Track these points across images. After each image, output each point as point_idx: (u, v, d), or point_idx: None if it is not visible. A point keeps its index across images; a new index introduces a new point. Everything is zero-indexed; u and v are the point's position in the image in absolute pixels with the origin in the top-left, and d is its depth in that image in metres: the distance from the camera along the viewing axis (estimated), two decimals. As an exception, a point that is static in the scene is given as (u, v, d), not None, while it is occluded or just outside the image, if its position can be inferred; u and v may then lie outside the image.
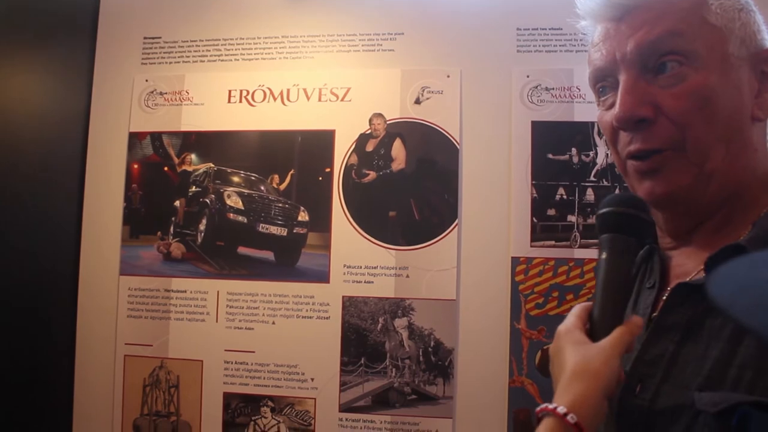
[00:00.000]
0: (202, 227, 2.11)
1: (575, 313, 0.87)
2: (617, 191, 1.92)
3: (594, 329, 0.84)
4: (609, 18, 0.90)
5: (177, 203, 2.14)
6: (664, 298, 0.89)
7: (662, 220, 0.95)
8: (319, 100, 2.10)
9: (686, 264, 0.91)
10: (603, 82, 0.92)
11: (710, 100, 0.84)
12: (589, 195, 1.95)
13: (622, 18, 0.88)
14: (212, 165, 2.13)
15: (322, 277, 2.02)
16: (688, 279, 0.88)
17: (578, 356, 0.79)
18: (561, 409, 0.74)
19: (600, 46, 0.91)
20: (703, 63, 0.84)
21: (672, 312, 0.86)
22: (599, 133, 1.94)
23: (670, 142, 0.85)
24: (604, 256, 0.86)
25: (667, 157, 0.86)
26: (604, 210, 0.88)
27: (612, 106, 0.90)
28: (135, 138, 2.17)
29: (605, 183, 1.94)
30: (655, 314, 0.89)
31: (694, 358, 0.81)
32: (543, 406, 0.76)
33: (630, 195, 0.89)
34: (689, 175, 0.86)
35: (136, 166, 2.16)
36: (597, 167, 1.94)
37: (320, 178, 2.06)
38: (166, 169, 2.15)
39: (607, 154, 1.93)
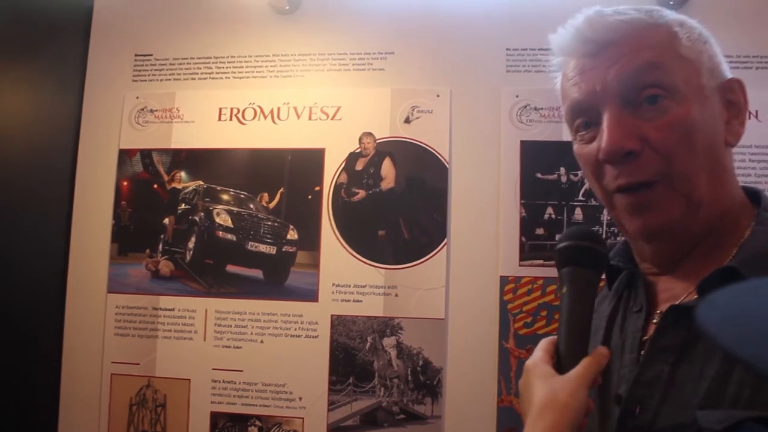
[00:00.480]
0: (191, 245, 2.11)
1: (542, 347, 0.88)
2: (605, 211, 1.93)
3: (561, 362, 0.84)
4: (584, 53, 0.90)
5: (166, 221, 2.13)
6: (655, 321, 0.90)
7: (650, 253, 0.94)
8: (310, 118, 2.10)
9: (674, 288, 0.91)
10: (582, 116, 0.92)
11: (692, 131, 0.85)
12: (578, 214, 1.95)
13: (598, 53, 0.88)
14: (202, 183, 2.13)
15: (311, 295, 2.02)
16: (678, 302, 0.88)
17: (545, 389, 0.80)
18: None
19: (577, 79, 0.90)
20: (682, 95, 0.85)
21: (666, 334, 0.86)
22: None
23: (658, 174, 0.85)
24: (564, 289, 0.88)
25: (657, 191, 0.86)
26: (563, 244, 0.90)
27: (592, 140, 0.90)
28: (125, 155, 2.17)
29: (593, 202, 1.94)
30: (646, 337, 0.89)
31: (690, 378, 0.81)
32: None
33: (585, 228, 0.92)
34: (680, 207, 0.86)
35: (125, 183, 2.16)
36: (585, 186, 1.95)
37: (310, 197, 2.07)
38: (155, 186, 2.15)
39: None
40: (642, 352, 0.88)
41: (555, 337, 0.88)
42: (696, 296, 0.85)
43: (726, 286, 0.55)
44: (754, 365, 0.44)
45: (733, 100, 0.90)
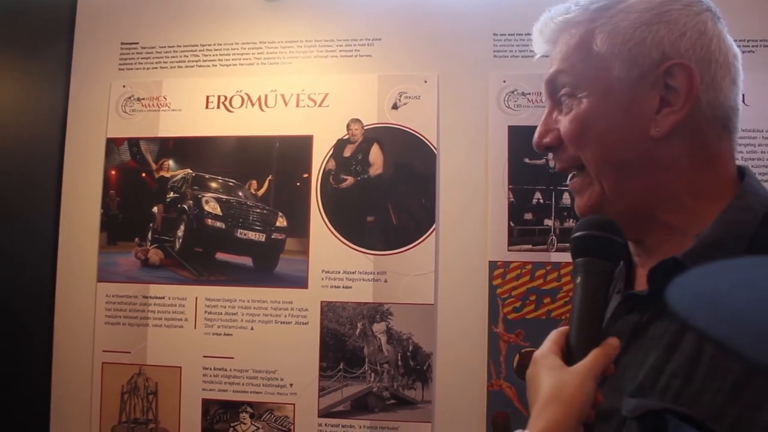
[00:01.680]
0: (180, 233, 2.11)
1: (551, 338, 0.87)
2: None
3: (570, 353, 0.83)
4: (544, 52, 0.98)
5: (155, 209, 2.13)
6: (615, 306, 0.93)
7: None
8: (297, 105, 2.10)
9: (644, 274, 0.93)
10: None
11: (589, 126, 0.88)
12: (566, 199, 1.96)
13: (550, 53, 0.96)
14: (190, 171, 2.13)
15: (301, 282, 2.02)
16: (637, 290, 0.91)
17: (552, 381, 0.79)
18: None
19: None
20: (588, 92, 0.89)
21: (619, 320, 0.89)
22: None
23: (573, 162, 0.92)
24: (579, 280, 0.86)
25: (582, 179, 0.93)
26: (579, 234, 0.88)
27: None
28: (112, 144, 2.16)
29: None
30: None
31: (633, 364, 0.84)
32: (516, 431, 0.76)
33: (603, 218, 0.90)
34: (593, 194, 0.91)
35: (113, 172, 2.15)
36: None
37: (298, 184, 2.07)
38: (143, 175, 2.15)
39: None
40: None
41: (566, 328, 0.87)
42: (647, 285, 0.87)
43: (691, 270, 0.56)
44: (726, 344, 0.45)
45: (672, 85, 0.86)
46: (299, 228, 2.05)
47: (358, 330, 1.98)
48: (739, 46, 0.92)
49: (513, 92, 2.02)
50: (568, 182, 0.97)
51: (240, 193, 2.10)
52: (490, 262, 1.96)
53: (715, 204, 0.87)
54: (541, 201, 1.97)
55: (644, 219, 0.90)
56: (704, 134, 0.87)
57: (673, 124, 0.85)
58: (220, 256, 2.09)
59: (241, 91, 2.13)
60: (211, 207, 2.09)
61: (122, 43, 2.21)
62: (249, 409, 2.01)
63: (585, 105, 0.88)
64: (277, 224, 2.07)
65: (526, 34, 2.03)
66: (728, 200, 0.87)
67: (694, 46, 0.86)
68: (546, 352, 0.85)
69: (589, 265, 0.86)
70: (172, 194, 2.13)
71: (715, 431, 0.71)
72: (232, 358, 2.03)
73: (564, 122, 0.91)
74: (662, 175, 0.88)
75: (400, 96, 2.06)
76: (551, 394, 0.78)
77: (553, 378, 0.80)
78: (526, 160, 1.98)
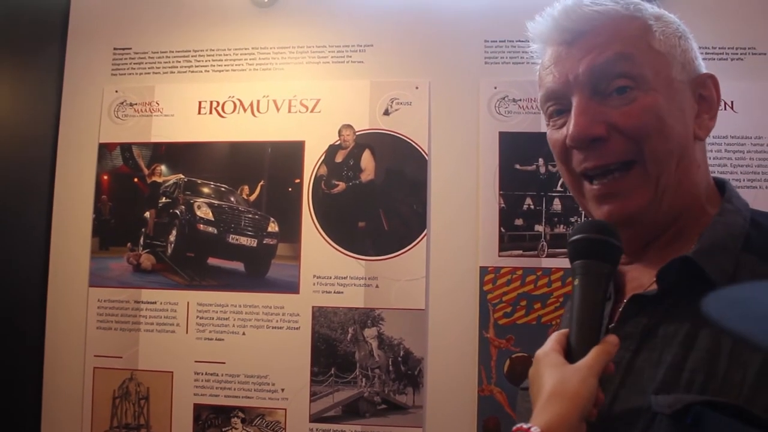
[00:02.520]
0: (172, 238, 2.11)
1: (553, 338, 0.88)
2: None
3: (571, 353, 0.84)
4: (560, 42, 0.93)
5: (147, 214, 2.13)
6: (620, 309, 0.92)
7: None
8: (289, 111, 2.11)
9: (641, 278, 0.94)
10: (555, 104, 0.95)
11: (662, 117, 0.88)
12: (556, 205, 1.98)
13: (573, 42, 0.92)
14: (182, 176, 2.13)
15: (292, 287, 2.03)
16: (641, 291, 0.91)
17: (555, 378, 0.80)
18: (534, 430, 0.74)
19: (552, 68, 0.94)
20: (650, 86, 0.88)
21: (628, 322, 0.89)
22: (565, 144, 1.96)
23: (626, 155, 0.89)
24: (577, 282, 0.88)
25: (633, 174, 0.89)
26: (576, 237, 0.89)
27: (563, 126, 0.93)
28: (105, 149, 2.16)
29: (571, 193, 1.96)
30: (612, 325, 0.91)
31: (649, 364, 0.84)
32: (518, 425, 0.76)
33: (600, 221, 0.91)
34: (648, 194, 0.89)
35: (105, 177, 2.15)
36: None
37: (290, 189, 2.07)
38: (135, 180, 2.15)
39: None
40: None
41: (567, 329, 0.88)
42: (656, 285, 0.88)
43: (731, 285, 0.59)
44: (758, 342, 0.47)
45: (704, 95, 0.92)
46: (291, 233, 2.06)
47: (350, 335, 1.99)
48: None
49: (504, 98, 2.03)
50: (603, 183, 0.91)
51: (232, 199, 2.11)
52: (480, 267, 1.97)
53: (712, 207, 0.92)
54: (532, 207, 1.98)
55: (669, 222, 0.92)
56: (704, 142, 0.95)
57: (711, 129, 0.92)
58: (212, 261, 2.09)
59: (233, 96, 2.14)
60: (203, 212, 2.10)
61: (115, 49, 2.22)
62: (240, 414, 2.01)
63: (653, 98, 0.88)
64: (269, 229, 2.08)
65: (517, 41, 2.04)
66: (717, 204, 0.92)
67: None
68: (548, 350, 0.86)
69: (587, 267, 0.87)
70: (164, 199, 2.13)
71: (754, 415, 0.72)
72: (224, 363, 2.03)
73: (627, 111, 0.88)
74: (697, 173, 0.92)
75: (392, 102, 2.07)
76: (555, 390, 0.79)
77: (555, 374, 0.80)
78: (517, 166, 2.00)
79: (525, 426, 0.75)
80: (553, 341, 0.87)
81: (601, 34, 0.90)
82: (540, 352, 0.87)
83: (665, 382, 0.81)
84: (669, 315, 0.85)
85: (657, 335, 0.85)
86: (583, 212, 1.94)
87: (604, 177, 0.91)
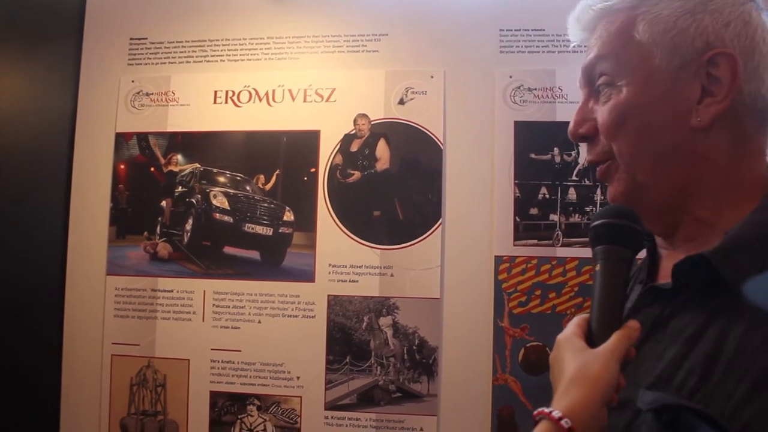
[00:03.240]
0: (188, 227, 2.13)
1: (574, 323, 0.87)
2: (599, 191, 1.95)
3: (593, 338, 0.84)
4: (581, 40, 0.98)
5: (163, 203, 2.15)
6: (635, 298, 0.93)
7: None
8: (304, 100, 2.11)
9: (670, 266, 0.91)
10: None
11: (629, 116, 0.88)
12: (571, 194, 1.97)
13: (587, 40, 0.96)
14: (198, 165, 2.14)
15: (308, 276, 2.04)
16: (659, 282, 0.91)
17: (577, 362, 0.80)
18: (556, 413, 0.74)
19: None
20: (627, 81, 0.88)
21: (639, 312, 0.89)
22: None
23: (605, 155, 0.92)
24: (598, 267, 0.87)
25: (609, 167, 0.92)
26: (598, 222, 0.89)
27: None
28: (121, 138, 2.18)
29: (587, 182, 1.96)
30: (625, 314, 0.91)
31: (651, 357, 0.84)
32: (540, 409, 0.76)
33: (622, 207, 0.90)
34: (623, 184, 0.91)
35: (122, 166, 2.17)
36: (579, 167, 1.97)
37: (305, 178, 2.08)
38: (152, 169, 2.16)
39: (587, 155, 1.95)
40: None
41: (588, 315, 0.88)
42: (671, 279, 0.86)
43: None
44: None
45: (714, 75, 0.85)
46: (306, 222, 2.07)
47: (365, 324, 2.00)
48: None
49: (519, 87, 2.03)
50: (597, 172, 0.95)
51: (248, 188, 2.12)
52: (495, 256, 1.97)
53: (748, 200, 0.86)
54: (547, 196, 1.98)
55: (676, 212, 0.90)
56: (743, 126, 0.86)
57: (714, 115, 0.84)
58: (228, 250, 2.10)
59: (248, 86, 2.14)
60: (219, 201, 2.11)
61: (131, 39, 2.23)
62: (256, 402, 2.02)
63: (624, 94, 0.88)
64: (285, 218, 2.09)
65: (532, 30, 2.04)
66: (759, 197, 0.86)
67: (739, 35, 0.85)
68: (569, 335, 0.85)
69: (608, 252, 0.87)
70: (180, 188, 2.14)
71: (726, 429, 0.71)
72: (240, 351, 2.04)
73: (602, 112, 0.90)
74: (699, 167, 0.87)
75: (407, 91, 2.07)
76: (576, 375, 0.78)
77: (577, 359, 0.80)
78: (532, 156, 1.99)
79: (546, 410, 0.76)
80: (574, 325, 0.87)
81: (595, 34, 0.93)
82: (561, 336, 0.87)
83: (660, 377, 0.81)
84: (681, 310, 0.84)
85: (666, 329, 0.85)
86: (597, 201, 1.95)
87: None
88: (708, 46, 0.85)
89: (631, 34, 0.89)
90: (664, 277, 0.92)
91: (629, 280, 0.90)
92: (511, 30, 2.06)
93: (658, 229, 0.95)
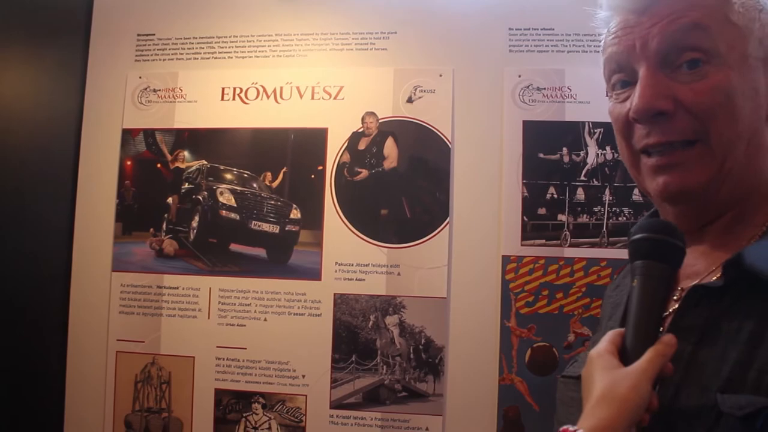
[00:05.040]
0: (194, 224, 2.12)
1: (608, 338, 0.85)
2: (607, 191, 1.94)
3: (627, 355, 0.82)
4: (630, 10, 0.90)
5: (170, 200, 2.14)
6: (676, 297, 0.90)
7: (673, 216, 0.94)
8: (312, 98, 2.10)
9: (697, 264, 0.91)
10: (619, 73, 0.92)
11: (732, 97, 0.84)
12: (580, 194, 1.96)
13: (644, 10, 0.88)
14: (205, 162, 2.14)
15: (314, 274, 2.03)
16: (700, 280, 0.88)
17: (606, 381, 0.78)
18: None
19: (619, 34, 0.90)
20: (723, 61, 0.84)
21: (688, 313, 0.86)
22: (590, 133, 1.95)
23: (691, 134, 0.86)
24: (637, 282, 0.85)
25: (695, 150, 0.86)
26: (639, 236, 0.87)
27: (627, 99, 0.90)
28: (128, 135, 2.17)
29: (595, 182, 1.95)
30: (666, 313, 0.88)
31: (712, 359, 0.81)
32: (564, 427, 0.75)
33: (663, 221, 0.88)
34: (710, 171, 0.86)
35: (129, 162, 2.16)
36: (587, 167, 1.96)
37: (312, 176, 2.07)
38: (159, 166, 2.16)
39: (598, 154, 1.95)
40: (661, 329, 0.86)
41: (623, 329, 0.86)
42: (719, 275, 0.84)
43: None
44: None
45: None
46: (313, 220, 2.06)
47: (371, 322, 1.99)
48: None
49: (528, 87, 2.02)
50: (666, 157, 0.88)
51: (254, 185, 2.11)
52: (503, 256, 1.96)
53: None
54: (555, 196, 1.97)
55: (729, 205, 0.88)
56: None
57: None
58: (234, 247, 2.10)
59: (256, 83, 2.14)
60: (226, 198, 2.10)
61: (139, 35, 2.22)
62: (261, 400, 2.02)
63: (724, 74, 0.84)
64: (291, 216, 2.08)
65: (542, 29, 2.03)
66: None
67: None
68: (602, 351, 0.83)
69: (649, 268, 0.85)
70: (187, 185, 2.14)
71: None
72: (245, 348, 2.04)
73: (696, 88, 0.84)
74: (765, 158, 0.87)
75: (415, 90, 2.06)
76: (604, 394, 0.77)
77: (606, 377, 0.79)
78: (541, 155, 1.98)
79: (571, 428, 0.75)
80: (607, 341, 0.85)
81: (674, 2, 0.86)
82: (593, 352, 0.85)
83: (731, 380, 0.77)
84: (732, 309, 0.81)
85: (720, 330, 0.82)
86: (606, 201, 1.94)
87: (665, 150, 0.88)
88: None
89: (725, 13, 0.85)
90: (688, 275, 0.90)
91: (668, 297, 0.87)
92: (521, 29, 2.05)
93: (697, 223, 0.92)
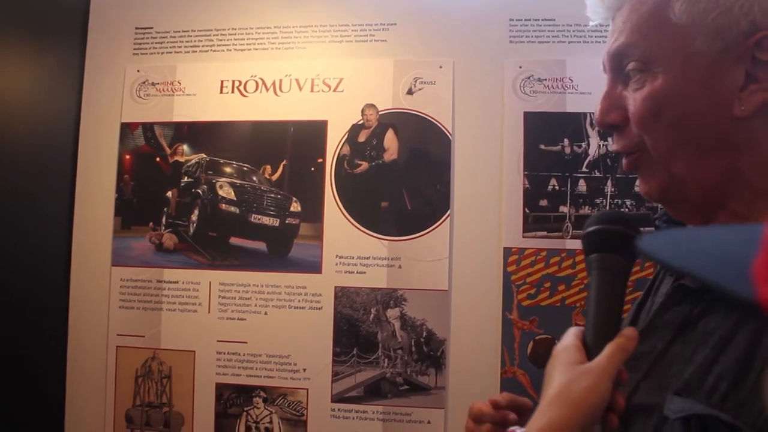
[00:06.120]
0: (194, 218, 2.11)
1: (572, 332, 0.83)
2: (609, 182, 1.93)
3: (589, 350, 0.80)
4: (605, 18, 0.90)
5: (169, 194, 2.13)
6: (664, 293, 0.88)
7: (672, 213, 0.93)
8: (312, 90, 2.09)
9: None
10: None
11: (664, 105, 0.81)
12: (581, 186, 1.95)
13: (613, 19, 0.88)
14: (204, 155, 2.13)
15: (315, 267, 2.02)
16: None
17: (563, 378, 0.76)
18: None
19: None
20: (663, 67, 0.81)
21: (668, 310, 0.85)
22: (591, 124, 1.94)
23: (636, 146, 0.85)
24: (593, 276, 0.84)
25: (639, 158, 0.86)
26: (590, 229, 0.85)
27: None
28: (127, 129, 2.16)
29: (597, 174, 1.94)
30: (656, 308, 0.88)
31: (679, 359, 0.79)
32: (512, 429, 0.74)
33: (615, 212, 0.88)
34: (658, 178, 0.85)
35: (127, 156, 2.15)
36: (589, 158, 1.95)
37: (312, 169, 2.06)
38: (158, 159, 2.15)
39: (599, 145, 1.94)
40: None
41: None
42: None
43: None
44: (699, 275, 0.45)
45: (762, 59, 0.77)
46: (313, 213, 2.05)
47: (372, 315, 1.98)
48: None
49: (529, 78, 2.00)
50: (624, 162, 0.89)
51: (254, 178, 2.10)
52: (504, 248, 1.95)
53: None
54: (557, 187, 1.96)
55: (714, 205, 0.84)
56: None
57: (761, 103, 0.77)
58: (234, 240, 2.09)
59: (255, 75, 2.12)
60: (225, 192, 2.09)
61: (137, 28, 2.21)
62: (262, 394, 2.01)
63: (660, 82, 0.81)
64: (291, 209, 2.07)
65: (542, 20, 2.01)
66: None
67: None
68: (567, 345, 0.81)
69: (603, 260, 0.83)
70: (186, 179, 2.13)
71: None
72: (246, 342, 2.03)
73: (634, 100, 0.83)
74: (740, 158, 0.80)
75: (416, 81, 2.05)
76: (559, 393, 0.75)
77: (564, 374, 0.76)
78: (542, 147, 1.97)
79: (518, 430, 0.74)
80: (572, 335, 0.82)
81: (623, 14, 0.85)
82: (558, 346, 0.82)
83: (689, 383, 0.76)
84: (712, 309, 0.79)
85: (696, 329, 0.79)
86: (608, 193, 1.93)
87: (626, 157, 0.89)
88: (754, 27, 0.77)
89: (666, 16, 0.81)
90: None
91: (626, 289, 0.85)
92: (521, 20, 2.04)
93: (699, 219, 0.88)
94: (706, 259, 0.47)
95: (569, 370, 0.76)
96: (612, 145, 0.90)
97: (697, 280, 0.44)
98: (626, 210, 1.90)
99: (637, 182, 0.90)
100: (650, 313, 0.90)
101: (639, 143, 0.84)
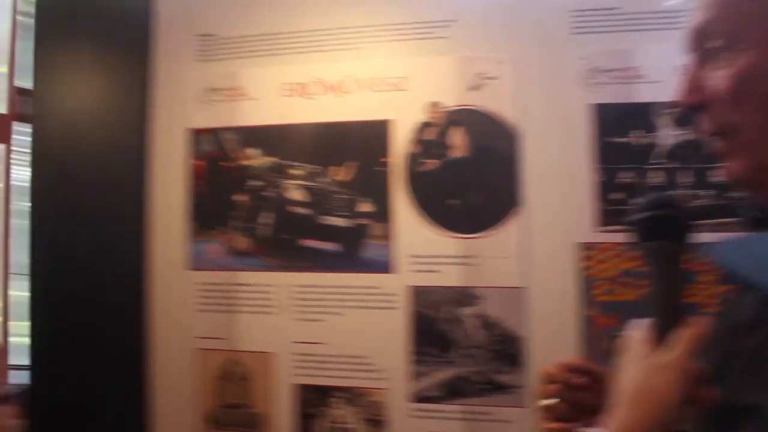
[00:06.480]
0: (265, 220, 2.13)
1: (640, 324, 0.81)
2: (682, 172, 1.90)
3: (657, 343, 0.77)
4: None
5: (239, 197, 2.16)
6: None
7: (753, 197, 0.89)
8: (375, 90, 2.09)
9: None
10: None
11: (755, 83, 0.77)
12: (653, 176, 1.92)
13: None
14: (271, 159, 2.15)
15: (387, 267, 2.03)
16: None
17: (637, 375, 0.74)
18: None
19: None
20: (751, 44, 0.77)
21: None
22: (663, 114, 1.91)
23: (722, 127, 0.81)
24: (649, 264, 0.81)
25: (728, 139, 0.82)
26: (634, 218, 0.83)
27: None
28: (194, 135, 2.19)
29: (669, 164, 1.91)
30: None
31: None
32: (582, 430, 0.72)
33: (657, 195, 0.84)
34: (744, 164, 0.80)
35: (197, 162, 2.18)
36: (661, 148, 1.92)
37: (380, 168, 2.06)
38: (226, 164, 2.17)
39: (673, 135, 1.91)
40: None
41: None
42: None
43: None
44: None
45: None
46: (383, 212, 2.05)
47: (448, 314, 1.98)
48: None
49: (593, 69, 1.98)
50: (711, 144, 0.84)
51: (322, 180, 2.11)
52: (578, 243, 1.93)
53: None
54: (628, 180, 1.93)
55: None
56: None
57: None
58: (306, 242, 2.10)
59: (317, 78, 2.13)
60: (295, 194, 2.11)
61: (199, 35, 2.23)
62: (342, 395, 2.03)
63: (748, 58, 0.77)
64: (361, 209, 2.08)
65: (603, 9, 1.98)
66: None
67: None
68: (636, 338, 0.79)
69: (652, 248, 0.81)
70: (255, 182, 2.15)
71: None
72: (322, 343, 2.05)
73: (720, 77, 0.79)
74: None
75: (478, 77, 2.04)
76: (634, 391, 0.73)
77: (638, 371, 0.74)
78: (612, 138, 1.94)
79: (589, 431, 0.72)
80: (639, 327, 0.80)
81: None
82: (627, 340, 0.80)
83: None
84: None
85: None
86: (683, 185, 1.90)
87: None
88: None
89: None
90: None
91: (684, 273, 0.82)
92: (582, 11, 2.01)
93: None
94: None
95: (642, 366, 0.74)
96: (694, 129, 0.85)
97: None
98: (705, 201, 1.87)
99: (721, 168, 0.84)
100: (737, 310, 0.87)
101: (727, 123, 0.80)
